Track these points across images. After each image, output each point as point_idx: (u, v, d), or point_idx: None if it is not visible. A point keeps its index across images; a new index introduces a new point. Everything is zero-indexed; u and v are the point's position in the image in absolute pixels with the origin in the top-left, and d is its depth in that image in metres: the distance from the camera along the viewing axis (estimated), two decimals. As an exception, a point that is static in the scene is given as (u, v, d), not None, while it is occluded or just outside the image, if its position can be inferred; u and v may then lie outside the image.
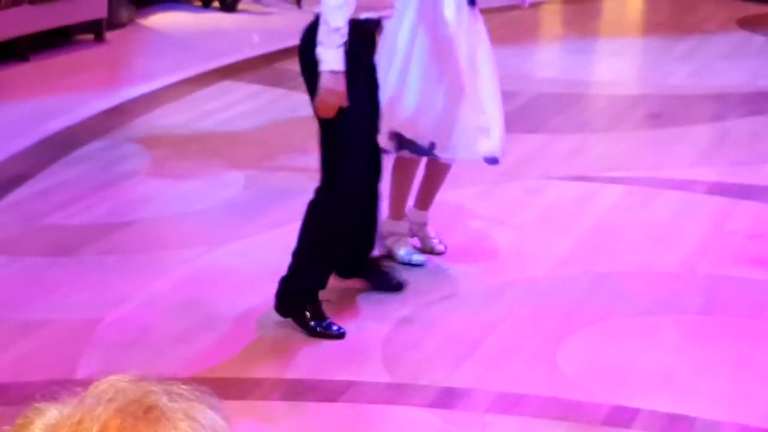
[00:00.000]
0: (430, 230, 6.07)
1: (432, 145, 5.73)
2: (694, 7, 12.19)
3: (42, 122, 7.50)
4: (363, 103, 5.09)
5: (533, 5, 7.77)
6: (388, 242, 5.98)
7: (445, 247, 5.97)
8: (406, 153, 5.91)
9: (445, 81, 5.69)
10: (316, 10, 5.06)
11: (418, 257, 5.93)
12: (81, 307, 5.23)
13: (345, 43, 4.95)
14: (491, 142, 5.81)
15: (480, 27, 5.94)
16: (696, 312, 5.50)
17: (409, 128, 5.60)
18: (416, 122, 5.52)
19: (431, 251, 6.05)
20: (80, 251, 5.80)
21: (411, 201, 6.00)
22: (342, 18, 4.95)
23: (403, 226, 5.96)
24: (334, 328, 5.08)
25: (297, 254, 5.08)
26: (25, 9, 8.76)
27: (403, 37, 5.70)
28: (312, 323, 5.03)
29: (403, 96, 5.43)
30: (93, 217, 6.23)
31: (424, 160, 5.92)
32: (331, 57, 4.96)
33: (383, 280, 5.58)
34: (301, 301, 5.06)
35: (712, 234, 6.36)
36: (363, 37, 5.16)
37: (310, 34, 5.07)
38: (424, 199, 6.05)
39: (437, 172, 6.02)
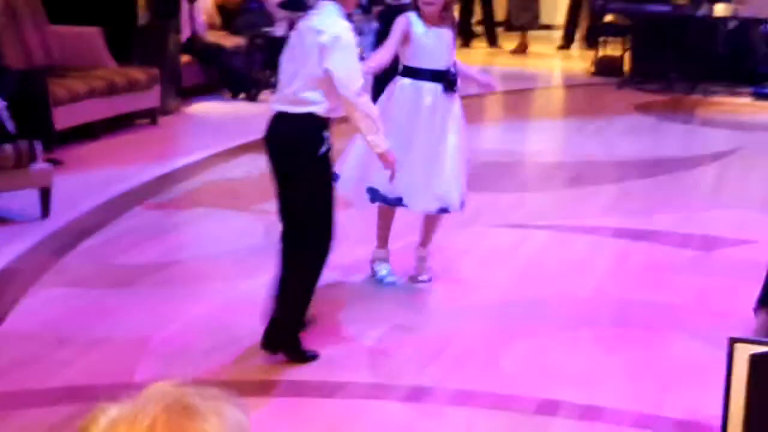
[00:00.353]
0: (428, 264, 5.98)
1: (399, 199, 5.70)
2: (602, 96, 12.30)
3: (108, 186, 7.49)
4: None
5: (482, 95, 7.74)
6: (374, 265, 5.93)
7: (429, 278, 5.93)
8: (380, 204, 5.86)
9: (414, 151, 5.66)
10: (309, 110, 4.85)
11: (391, 278, 5.87)
12: (136, 327, 5.19)
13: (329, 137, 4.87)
14: (444, 198, 5.76)
15: (455, 107, 5.87)
16: (607, 326, 5.51)
17: (383, 185, 5.50)
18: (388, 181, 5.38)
19: (416, 279, 5.98)
20: (136, 284, 5.77)
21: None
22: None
23: (384, 253, 5.91)
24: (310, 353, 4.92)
25: (291, 298, 4.90)
26: (98, 100, 8.77)
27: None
28: (303, 351, 4.89)
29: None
30: (146, 258, 6.20)
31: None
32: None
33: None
34: (294, 334, 4.92)
35: (617, 267, 6.40)
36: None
37: (310, 132, 4.85)
38: (423, 239, 5.98)
39: (430, 220, 5.96)
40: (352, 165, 5.83)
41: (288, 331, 4.90)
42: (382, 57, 5.94)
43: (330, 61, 4.69)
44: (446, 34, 5.83)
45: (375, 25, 11.12)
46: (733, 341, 2.61)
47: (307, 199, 4.91)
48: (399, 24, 5.78)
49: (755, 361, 2.50)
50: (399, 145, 5.55)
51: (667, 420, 4.47)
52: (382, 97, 6.00)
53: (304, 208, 4.92)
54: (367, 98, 4.95)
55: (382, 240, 5.98)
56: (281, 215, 5.02)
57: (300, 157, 4.87)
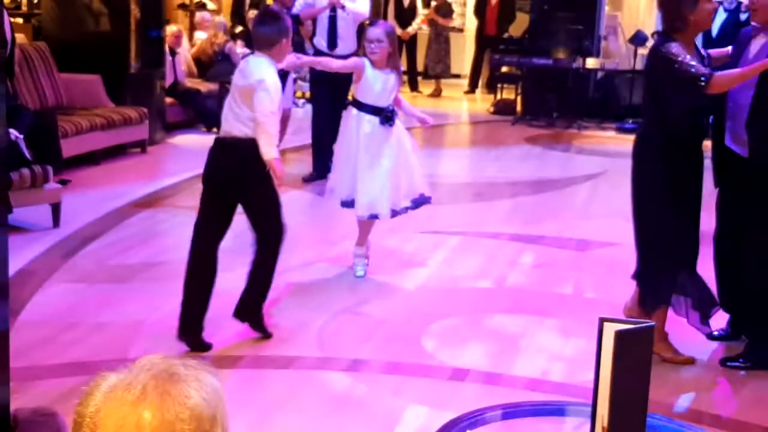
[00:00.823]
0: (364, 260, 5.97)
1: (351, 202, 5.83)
2: (499, 130, 12.40)
3: (107, 201, 7.45)
4: None
5: (420, 128, 7.74)
6: (355, 260, 5.96)
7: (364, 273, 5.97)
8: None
9: (356, 167, 5.82)
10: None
11: (360, 271, 5.93)
12: (131, 314, 5.15)
13: None
14: (374, 207, 5.78)
15: (393, 137, 5.85)
16: (505, 310, 5.52)
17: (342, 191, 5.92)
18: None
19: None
20: (131, 280, 5.74)
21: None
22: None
23: (360, 250, 5.96)
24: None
25: (262, 282, 4.90)
26: (98, 133, 8.73)
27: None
28: (263, 323, 4.91)
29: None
30: (139, 258, 6.17)
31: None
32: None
33: None
34: (259, 310, 4.92)
35: (512, 264, 6.41)
36: None
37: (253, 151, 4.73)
38: (358, 239, 5.94)
39: (363, 224, 5.91)
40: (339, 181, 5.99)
41: (255, 307, 4.90)
42: (330, 63, 6.56)
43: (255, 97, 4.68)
44: (391, 78, 5.84)
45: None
46: (602, 320, 2.63)
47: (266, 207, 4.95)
48: (357, 62, 5.90)
49: (620, 336, 2.53)
50: (346, 158, 5.90)
51: (551, 384, 4.50)
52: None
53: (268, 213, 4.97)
54: (272, 120, 4.73)
55: (361, 240, 5.98)
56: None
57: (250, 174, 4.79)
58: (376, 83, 5.79)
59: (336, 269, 6.10)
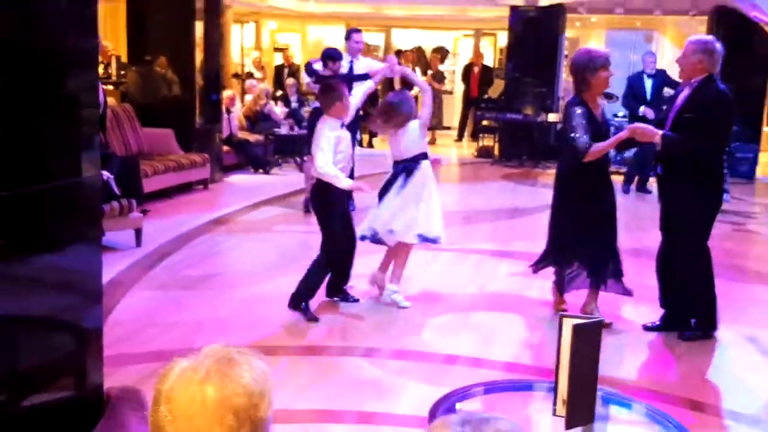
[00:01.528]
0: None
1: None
2: (482, 169, 12.42)
3: (179, 226, 7.49)
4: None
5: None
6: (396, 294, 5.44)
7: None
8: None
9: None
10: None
11: (405, 302, 5.45)
12: (197, 314, 5.17)
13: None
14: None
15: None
16: (486, 309, 5.52)
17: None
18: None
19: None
20: (197, 288, 5.76)
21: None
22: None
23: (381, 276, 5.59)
24: (314, 315, 5.09)
25: (308, 280, 5.12)
26: (171, 174, 8.80)
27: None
28: (309, 312, 5.07)
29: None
30: (203, 271, 6.20)
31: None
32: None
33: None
34: (305, 301, 5.10)
35: (493, 274, 6.42)
36: None
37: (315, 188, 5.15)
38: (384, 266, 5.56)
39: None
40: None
41: (301, 298, 5.08)
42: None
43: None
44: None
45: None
46: (562, 317, 2.65)
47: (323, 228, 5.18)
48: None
49: (575, 328, 2.54)
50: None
51: (522, 366, 4.49)
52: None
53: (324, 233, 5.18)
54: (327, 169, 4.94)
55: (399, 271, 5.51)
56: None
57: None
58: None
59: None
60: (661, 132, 4.66)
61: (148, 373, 3.81)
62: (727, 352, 4.89)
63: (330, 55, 7.97)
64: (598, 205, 4.96)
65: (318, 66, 8.14)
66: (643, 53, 10.92)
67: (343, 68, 8.00)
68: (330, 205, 5.11)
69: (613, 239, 5.06)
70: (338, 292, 5.43)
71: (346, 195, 5.31)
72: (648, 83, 9.93)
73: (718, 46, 4.76)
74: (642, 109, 9.64)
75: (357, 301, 5.47)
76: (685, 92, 4.79)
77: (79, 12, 2.32)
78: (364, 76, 7.69)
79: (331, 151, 4.93)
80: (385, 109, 5.42)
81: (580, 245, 5.04)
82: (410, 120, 5.30)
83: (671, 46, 14.55)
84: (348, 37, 8.30)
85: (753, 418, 3.99)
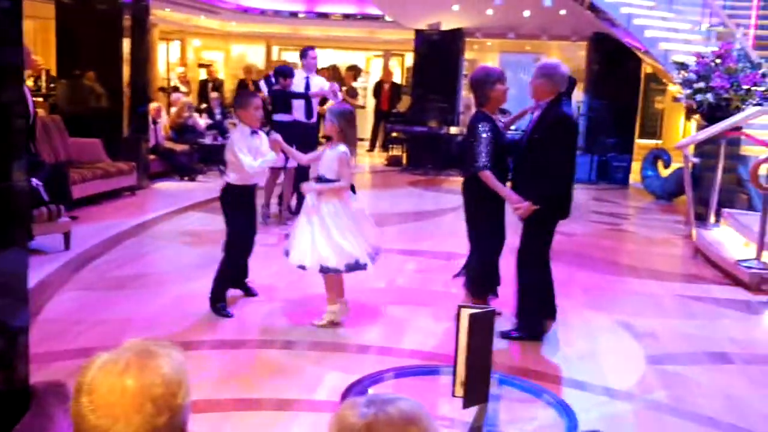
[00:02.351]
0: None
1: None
2: (391, 177, 12.47)
3: (105, 231, 7.25)
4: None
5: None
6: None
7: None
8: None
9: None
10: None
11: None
12: (124, 312, 5.03)
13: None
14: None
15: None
16: (394, 303, 5.53)
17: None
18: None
19: None
20: (124, 288, 5.60)
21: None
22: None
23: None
24: (229, 311, 5.00)
25: (216, 280, 5.03)
26: (99, 181, 8.56)
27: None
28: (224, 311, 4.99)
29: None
30: (130, 272, 6.02)
31: None
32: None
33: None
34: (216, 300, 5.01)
35: (400, 271, 6.44)
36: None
37: (224, 191, 5.05)
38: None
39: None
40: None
41: (216, 299, 5.02)
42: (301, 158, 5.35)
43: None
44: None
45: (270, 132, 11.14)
46: (460, 307, 2.68)
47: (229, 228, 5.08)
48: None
49: (472, 318, 2.58)
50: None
51: (427, 353, 4.52)
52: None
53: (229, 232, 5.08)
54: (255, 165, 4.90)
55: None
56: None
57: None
58: None
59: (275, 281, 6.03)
60: (525, 203, 4.58)
61: (74, 369, 3.63)
62: (605, 337, 5.05)
63: (281, 72, 8.01)
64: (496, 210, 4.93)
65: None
66: None
67: (299, 84, 8.08)
68: (236, 205, 5.08)
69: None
70: (238, 285, 5.35)
71: (253, 196, 5.19)
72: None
73: (561, 69, 4.75)
74: None
75: (256, 294, 5.39)
76: (535, 114, 4.83)
77: (5, 28, 2.24)
78: (305, 95, 8.04)
79: (248, 153, 4.91)
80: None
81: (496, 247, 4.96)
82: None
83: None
84: (304, 55, 8.35)
85: (627, 393, 4.13)
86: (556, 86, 4.70)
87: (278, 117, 8.09)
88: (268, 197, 8.22)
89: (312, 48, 8.49)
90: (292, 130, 7.66)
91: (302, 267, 4.77)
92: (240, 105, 5.10)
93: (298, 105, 8.10)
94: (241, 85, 15.26)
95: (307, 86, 8.15)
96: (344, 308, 4.97)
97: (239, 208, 5.10)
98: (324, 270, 4.74)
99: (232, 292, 5.28)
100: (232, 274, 5.18)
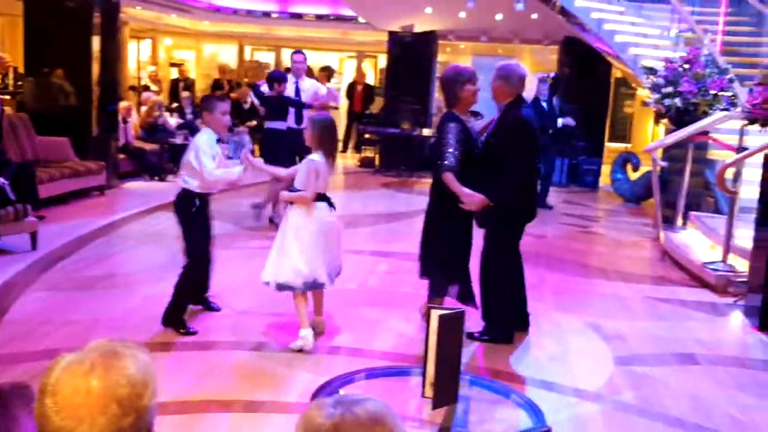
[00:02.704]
0: None
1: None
2: (364, 178, 12.46)
3: (74, 230, 7.17)
4: None
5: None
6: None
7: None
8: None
9: None
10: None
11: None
12: (91, 313, 4.97)
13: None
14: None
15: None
16: (365, 304, 5.52)
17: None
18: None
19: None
20: (92, 288, 5.53)
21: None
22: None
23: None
24: (191, 329, 4.73)
25: (177, 295, 4.78)
26: (67, 180, 8.46)
27: None
28: (185, 327, 4.73)
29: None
30: (98, 272, 5.96)
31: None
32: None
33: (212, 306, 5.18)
34: (178, 316, 4.77)
35: (372, 272, 6.45)
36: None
37: (182, 198, 4.84)
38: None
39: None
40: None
41: (174, 313, 4.77)
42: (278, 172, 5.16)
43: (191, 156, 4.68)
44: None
45: (241, 138, 11.07)
46: (429, 308, 2.69)
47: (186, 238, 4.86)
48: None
49: (441, 319, 2.59)
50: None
51: (397, 354, 4.51)
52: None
53: (186, 243, 4.87)
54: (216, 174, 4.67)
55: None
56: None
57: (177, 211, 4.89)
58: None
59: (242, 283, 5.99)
60: (477, 196, 4.52)
61: (41, 370, 3.61)
62: (574, 338, 5.09)
63: (275, 77, 7.84)
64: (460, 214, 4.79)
65: (264, 88, 7.98)
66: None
67: (289, 90, 7.87)
68: (190, 215, 4.79)
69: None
70: (199, 301, 5.09)
71: (207, 206, 4.93)
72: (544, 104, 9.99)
73: (519, 70, 4.74)
74: (560, 121, 10.06)
75: (219, 309, 5.14)
76: (495, 116, 4.83)
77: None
78: (303, 104, 7.79)
79: (212, 160, 4.65)
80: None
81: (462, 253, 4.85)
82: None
83: (528, 71, 15.04)
84: (291, 59, 8.18)
85: (595, 394, 4.17)
86: (515, 88, 4.69)
87: (272, 125, 7.88)
88: (275, 202, 7.69)
89: (299, 52, 8.27)
90: (286, 138, 7.57)
91: (266, 283, 4.60)
92: (206, 108, 4.79)
93: (289, 111, 7.90)
94: (216, 86, 15.29)
95: (297, 91, 7.98)
96: (320, 328, 4.77)
97: (197, 217, 4.82)
98: (280, 287, 4.54)
99: (192, 307, 5.05)
100: (190, 285, 4.88)
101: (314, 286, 4.60)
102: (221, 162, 4.75)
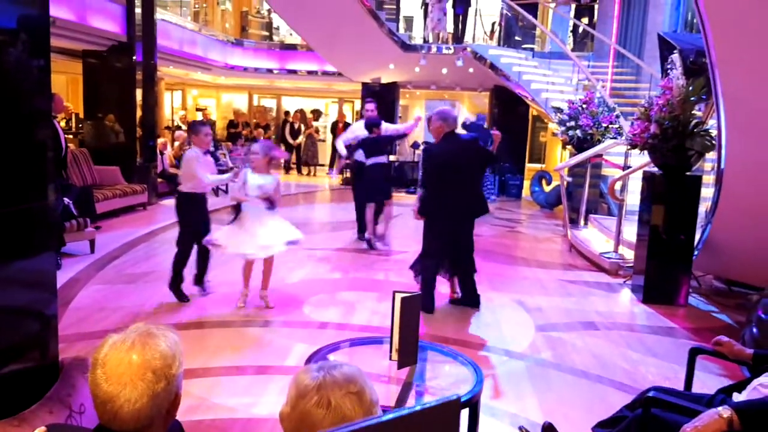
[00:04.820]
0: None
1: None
2: (345, 194, 12.20)
3: (124, 238, 7.03)
4: None
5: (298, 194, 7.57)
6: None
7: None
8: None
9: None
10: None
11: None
12: (136, 303, 4.87)
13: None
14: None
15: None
16: (347, 289, 5.45)
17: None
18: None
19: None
20: (137, 282, 5.42)
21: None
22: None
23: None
24: (185, 296, 4.86)
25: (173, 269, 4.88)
26: (117, 199, 8.31)
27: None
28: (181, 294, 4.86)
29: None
30: (142, 270, 5.83)
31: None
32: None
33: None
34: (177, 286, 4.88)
35: (352, 264, 6.35)
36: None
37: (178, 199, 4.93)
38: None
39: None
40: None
41: (174, 284, 4.90)
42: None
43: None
44: (270, 178, 4.72)
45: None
46: (395, 292, 2.67)
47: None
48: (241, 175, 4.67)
49: (403, 300, 2.57)
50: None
51: (373, 327, 4.48)
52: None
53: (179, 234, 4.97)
54: (211, 179, 4.85)
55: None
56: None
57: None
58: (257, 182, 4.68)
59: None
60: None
61: (96, 347, 3.56)
62: (504, 311, 5.10)
63: (374, 123, 7.34)
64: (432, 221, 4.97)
65: (362, 132, 7.38)
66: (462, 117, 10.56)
67: (363, 132, 7.42)
68: (187, 208, 4.90)
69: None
70: (197, 282, 5.09)
71: (202, 201, 4.94)
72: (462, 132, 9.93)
73: (453, 112, 4.87)
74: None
75: (210, 293, 5.07)
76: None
77: (40, 82, 2.18)
78: (401, 135, 7.64)
79: (205, 168, 4.83)
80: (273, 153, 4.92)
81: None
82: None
83: (466, 111, 15.11)
84: (363, 107, 7.67)
85: (521, 354, 4.18)
86: (450, 126, 4.79)
87: (375, 160, 7.26)
88: (372, 227, 7.29)
89: (370, 101, 7.63)
90: (385, 168, 7.35)
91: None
92: (193, 132, 4.91)
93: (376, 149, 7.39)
94: (231, 125, 15.15)
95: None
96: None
97: (190, 210, 4.88)
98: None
99: (192, 290, 5.04)
100: (183, 264, 4.89)
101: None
102: (212, 170, 4.95)
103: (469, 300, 5.04)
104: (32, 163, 2.16)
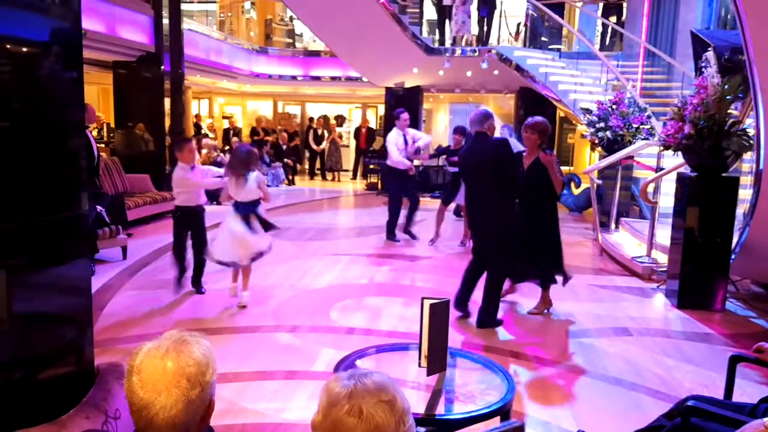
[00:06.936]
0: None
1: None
2: (369, 199, 12.24)
3: (154, 245, 7.15)
4: None
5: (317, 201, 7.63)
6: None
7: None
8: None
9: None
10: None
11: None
12: (166, 306, 4.95)
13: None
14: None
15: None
16: (373, 295, 5.47)
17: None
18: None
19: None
20: (167, 288, 5.49)
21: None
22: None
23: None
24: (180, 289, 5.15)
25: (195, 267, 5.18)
26: (148, 206, 8.43)
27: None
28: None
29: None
30: (171, 275, 5.87)
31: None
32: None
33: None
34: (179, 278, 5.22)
35: (378, 270, 6.35)
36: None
37: (175, 212, 5.29)
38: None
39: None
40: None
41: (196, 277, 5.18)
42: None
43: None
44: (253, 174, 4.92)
45: (277, 171, 10.90)
46: (423, 299, 2.66)
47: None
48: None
49: (432, 307, 2.56)
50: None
51: (399, 333, 4.47)
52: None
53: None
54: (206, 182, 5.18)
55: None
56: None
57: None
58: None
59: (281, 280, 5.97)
60: None
61: (129, 352, 3.62)
62: (534, 317, 5.02)
63: (461, 131, 7.70)
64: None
65: (401, 140, 7.55)
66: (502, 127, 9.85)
67: (399, 140, 7.56)
68: (183, 221, 5.17)
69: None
70: (194, 284, 5.33)
71: (199, 214, 5.23)
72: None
73: (480, 111, 4.62)
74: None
75: (204, 292, 5.28)
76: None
77: (73, 93, 2.23)
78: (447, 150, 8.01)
79: (197, 177, 5.08)
80: (251, 158, 4.89)
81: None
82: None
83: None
84: (397, 117, 7.76)
85: (552, 361, 4.12)
86: (475, 126, 4.56)
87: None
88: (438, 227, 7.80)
89: (403, 110, 7.72)
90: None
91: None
92: (177, 149, 5.09)
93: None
94: (253, 132, 15.26)
95: (405, 140, 7.64)
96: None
97: (187, 223, 5.11)
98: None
99: (188, 288, 5.30)
100: (181, 265, 5.20)
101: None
102: (207, 176, 5.19)
103: (479, 319, 4.63)
104: (67, 174, 2.20)
